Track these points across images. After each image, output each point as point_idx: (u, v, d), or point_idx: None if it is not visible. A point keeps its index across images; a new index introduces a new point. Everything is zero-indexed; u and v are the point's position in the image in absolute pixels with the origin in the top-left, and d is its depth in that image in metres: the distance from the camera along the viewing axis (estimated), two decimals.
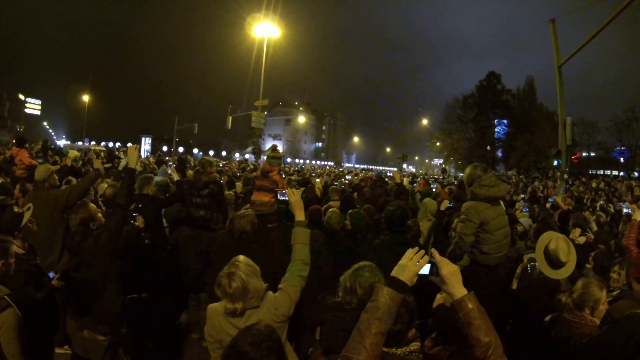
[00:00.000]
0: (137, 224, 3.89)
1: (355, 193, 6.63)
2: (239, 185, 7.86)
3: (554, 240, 2.86)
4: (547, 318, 2.52)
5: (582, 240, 4.14)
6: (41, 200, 3.95)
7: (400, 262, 1.52)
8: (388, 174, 26.15)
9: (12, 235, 2.79)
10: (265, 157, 5.19)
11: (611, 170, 38.03)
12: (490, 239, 3.54)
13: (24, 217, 2.91)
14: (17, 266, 2.62)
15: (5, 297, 2.21)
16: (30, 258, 2.97)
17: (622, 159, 36.49)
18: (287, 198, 2.65)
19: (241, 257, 2.09)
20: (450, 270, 1.49)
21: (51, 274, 2.90)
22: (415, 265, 1.50)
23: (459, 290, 1.46)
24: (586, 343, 2.13)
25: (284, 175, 8.60)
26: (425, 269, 1.52)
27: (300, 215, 2.52)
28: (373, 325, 1.37)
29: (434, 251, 1.57)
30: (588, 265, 3.78)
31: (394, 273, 1.50)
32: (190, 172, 6.93)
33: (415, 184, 9.92)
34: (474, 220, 3.51)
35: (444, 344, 2.03)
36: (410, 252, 1.54)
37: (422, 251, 1.54)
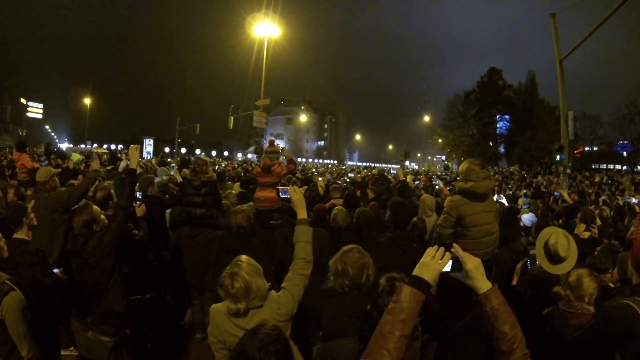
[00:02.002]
0: (136, 229, 3.87)
1: (359, 191, 6.60)
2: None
3: (554, 235, 2.82)
4: (545, 312, 2.51)
5: (587, 235, 4.11)
6: (42, 202, 3.98)
7: (422, 260, 1.46)
8: (392, 171, 26.12)
9: (20, 223, 2.88)
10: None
11: (614, 164, 37.86)
12: (466, 234, 3.54)
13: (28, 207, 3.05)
14: (24, 248, 2.76)
15: (7, 281, 2.23)
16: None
17: (624, 153, 36.24)
18: (289, 196, 2.63)
19: (244, 257, 2.06)
20: (475, 264, 1.45)
21: (55, 270, 2.93)
22: (438, 263, 1.44)
23: (484, 284, 1.43)
24: (578, 336, 2.12)
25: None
26: (447, 266, 1.46)
27: (302, 213, 2.49)
28: (397, 327, 1.30)
29: (457, 246, 1.52)
30: None
31: (415, 272, 1.43)
32: (186, 171, 6.93)
33: (417, 181, 9.91)
34: (451, 213, 3.56)
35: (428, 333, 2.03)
36: (431, 250, 1.48)
37: (442, 248, 1.48)
